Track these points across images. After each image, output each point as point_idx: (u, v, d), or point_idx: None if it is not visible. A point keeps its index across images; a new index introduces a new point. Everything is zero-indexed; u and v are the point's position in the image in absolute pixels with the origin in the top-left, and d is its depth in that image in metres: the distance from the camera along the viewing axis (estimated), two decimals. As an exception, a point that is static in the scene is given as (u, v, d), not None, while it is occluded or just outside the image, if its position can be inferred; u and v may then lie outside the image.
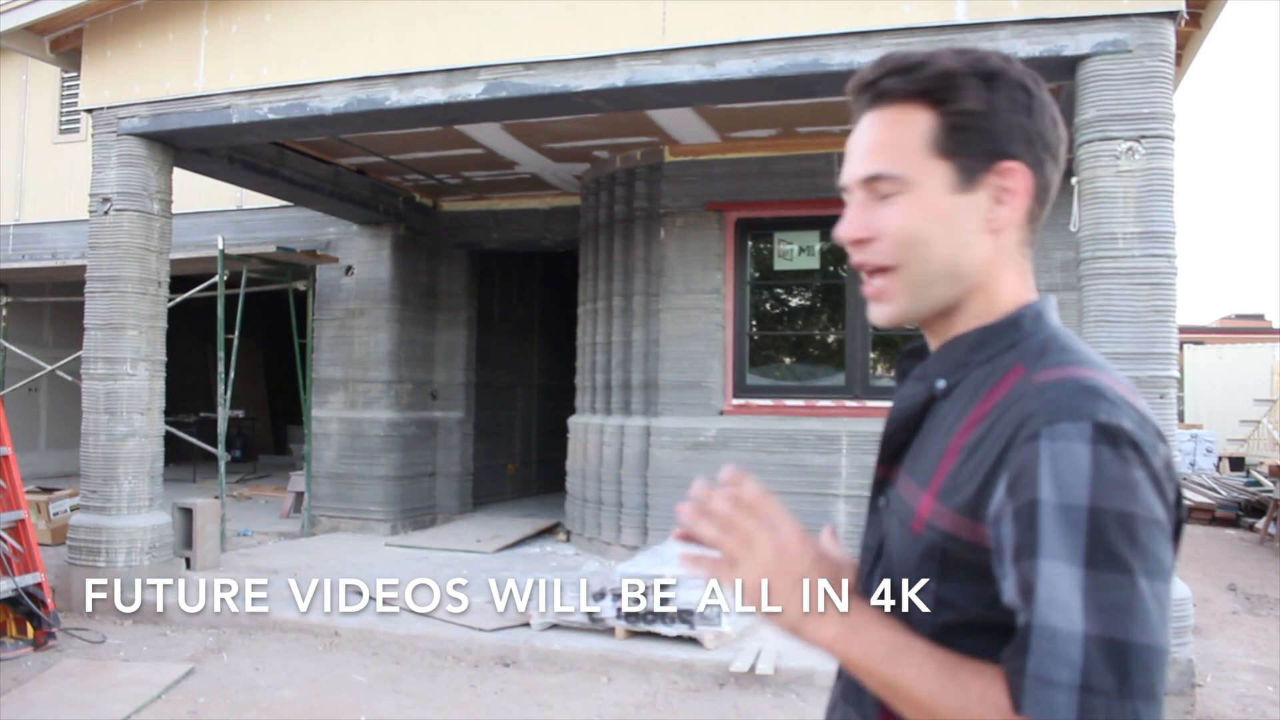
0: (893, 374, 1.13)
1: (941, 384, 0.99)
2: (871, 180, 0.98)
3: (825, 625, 0.91)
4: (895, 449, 1.03)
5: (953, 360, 0.99)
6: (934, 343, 1.05)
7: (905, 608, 0.93)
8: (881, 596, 0.96)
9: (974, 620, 0.89)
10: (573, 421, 8.18)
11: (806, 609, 0.91)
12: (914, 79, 0.97)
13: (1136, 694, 0.78)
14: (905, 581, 0.94)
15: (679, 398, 7.32)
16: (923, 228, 0.97)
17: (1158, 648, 0.80)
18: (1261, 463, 13.35)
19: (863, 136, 1.01)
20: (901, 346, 7.46)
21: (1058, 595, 0.80)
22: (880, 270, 0.99)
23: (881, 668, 0.88)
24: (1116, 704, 0.78)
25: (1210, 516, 10.83)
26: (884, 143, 0.98)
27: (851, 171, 1.01)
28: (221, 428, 8.15)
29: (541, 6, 5.25)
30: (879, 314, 1.02)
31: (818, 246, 7.41)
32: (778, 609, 0.92)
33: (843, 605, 0.91)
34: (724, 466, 0.97)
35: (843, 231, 1.00)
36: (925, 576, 0.92)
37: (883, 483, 1.06)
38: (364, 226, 8.94)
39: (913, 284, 0.99)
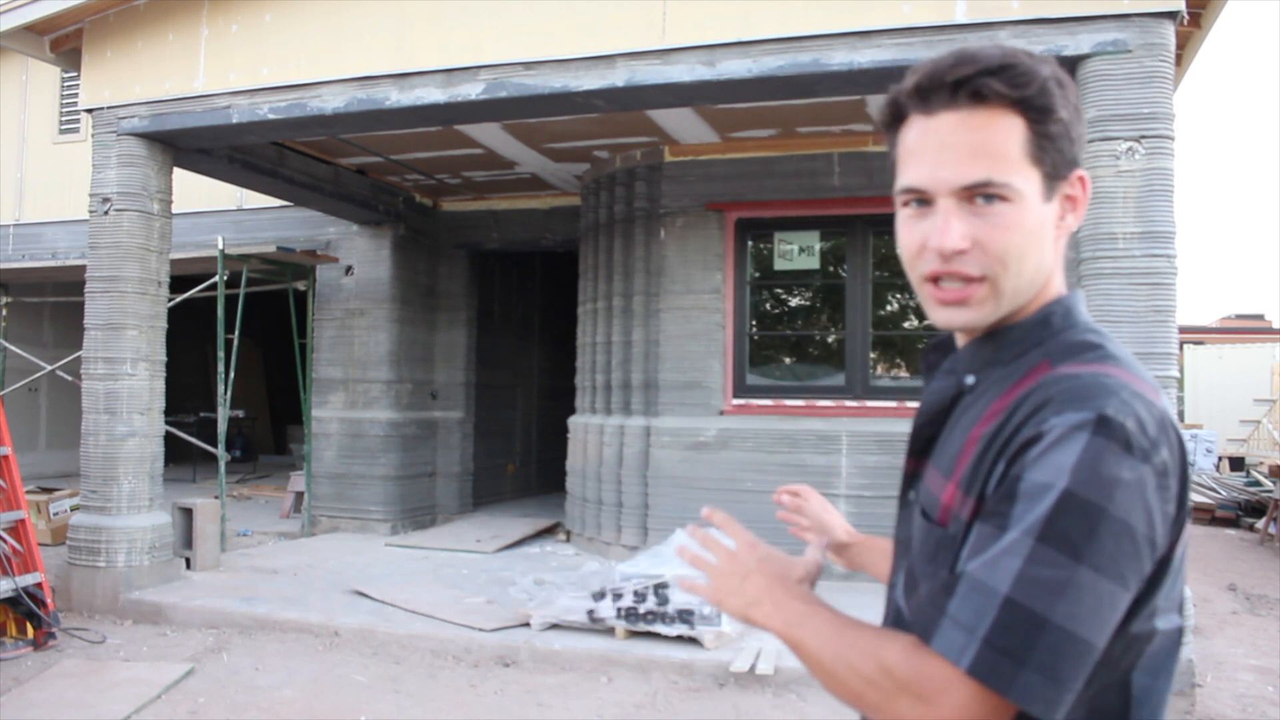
0: (921, 369, 1.18)
1: (970, 380, 1.01)
2: (975, 187, 0.94)
3: (759, 609, 1.03)
4: (924, 443, 1.06)
5: (982, 357, 1.01)
6: (963, 338, 1.05)
7: (919, 592, 1.00)
8: (900, 587, 1.07)
9: None
10: (573, 421, 8.18)
11: (748, 597, 1.05)
12: (1018, 87, 0.94)
13: (1035, 667, 0.81)
14: (923, 568, 0.99)
15: (679, 398, 7.32)
16: (1025, 241, 0.96)
17: (1077, 637, 0.82)
18: (1261, 463, 13.35)
19: (955, 138, 0.95)
20: (901, 346, 7.48)
21: (1002, 557, 0.84)
22: (969, 279, 0.97)
23: (792, 633, 0.99)
24: (1010, 665, 0.82)
25: (1210, 516, 10.83)
26: (986, 148, 0.94)
27: (948, 176, 0.95)
28: (221, 428, 8.15)
29: (541, 6, 5.25)
30: (957, 319, 0.99)
31: (818, 246, 7.41)
32: (729, 603, 1.07)
33: (762, 591, 1.04)
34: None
35: (949, 242, 0.95)
36: (943, 566, 0.95)
37: (913, 476, 1.08)
38: (364, 226, 8.94)
39: (1003, 293, 0.97)
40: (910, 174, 0.98)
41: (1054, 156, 0.96)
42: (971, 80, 0.94)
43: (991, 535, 0.86)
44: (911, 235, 0.99)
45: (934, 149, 0.96)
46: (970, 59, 0.95)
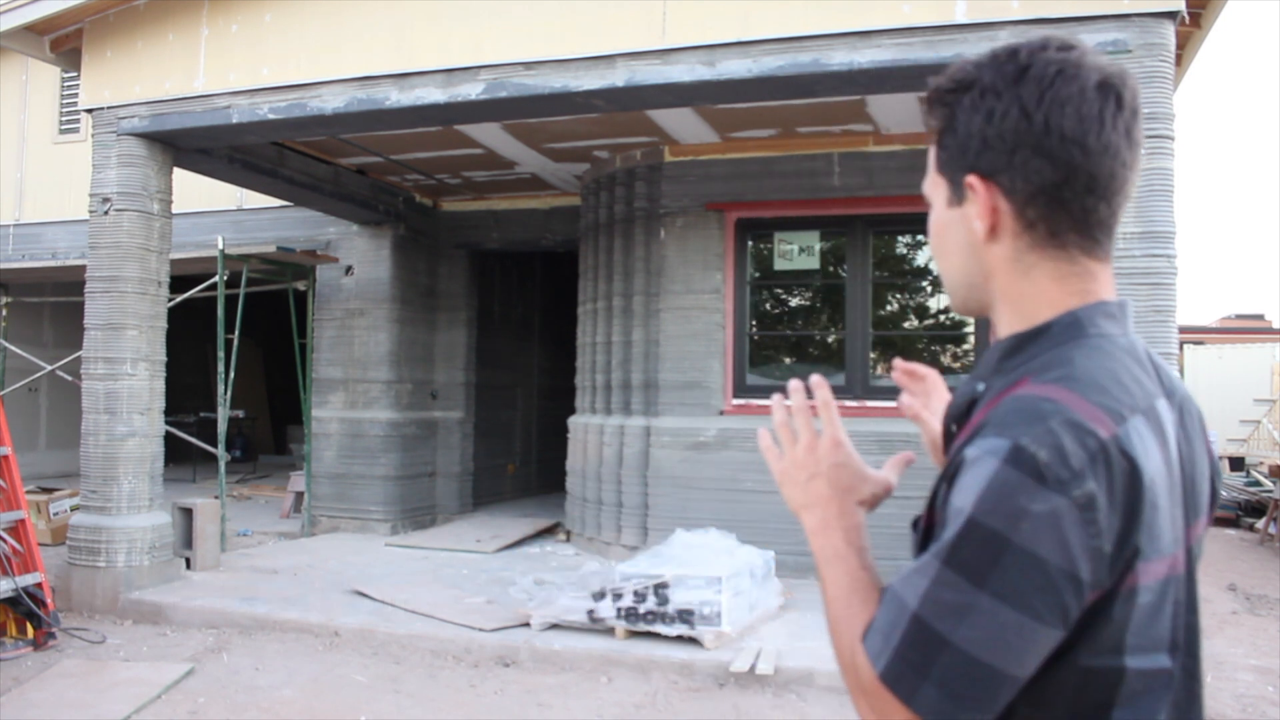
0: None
1: (980, 387, 1.01)
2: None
3: (810, 516, 1.06)
4: (949, 441, 1.07)
5: (989, 366, 1.01)
6: None
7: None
8: None
9: None
10: (573, 421, 8.18)
11: (805, 500, 1.07)
12: (929, 112, 1.03)
13: (935, 682, 0.85)
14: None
15: (679, 398, 7.32)
16: (935, 241, 1.08)
17: (978, 661, 0.83)
18: (1261, 463, 13.34)
19: None
20: (901, 346, 7.47)
21: (915, 575, 0.88)
22: None
23: (819, 565, 1.02)
24: (913, 677, 0.86)
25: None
26: (928, 161, 1.07)
27: None
28: (221, 428, 8.15)
29: (541, 6, 5.25)
30: None
31: (818, 246, 7.41)
32: (787, 493, 1.08)
33: (823, 505, 1.05)
34: (811, 378, 1.11)
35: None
36: None
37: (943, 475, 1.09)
38: (364, 226, 8.94)
39: (947, 286, 1.08)
40: None
41: (949, 162, 1.01)
42: None
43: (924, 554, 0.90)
44: None
45: None
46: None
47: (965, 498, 0.85)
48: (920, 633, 0.85)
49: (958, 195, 1.01)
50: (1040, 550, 0.82)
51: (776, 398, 1.12)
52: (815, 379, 1.10)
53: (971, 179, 0.98)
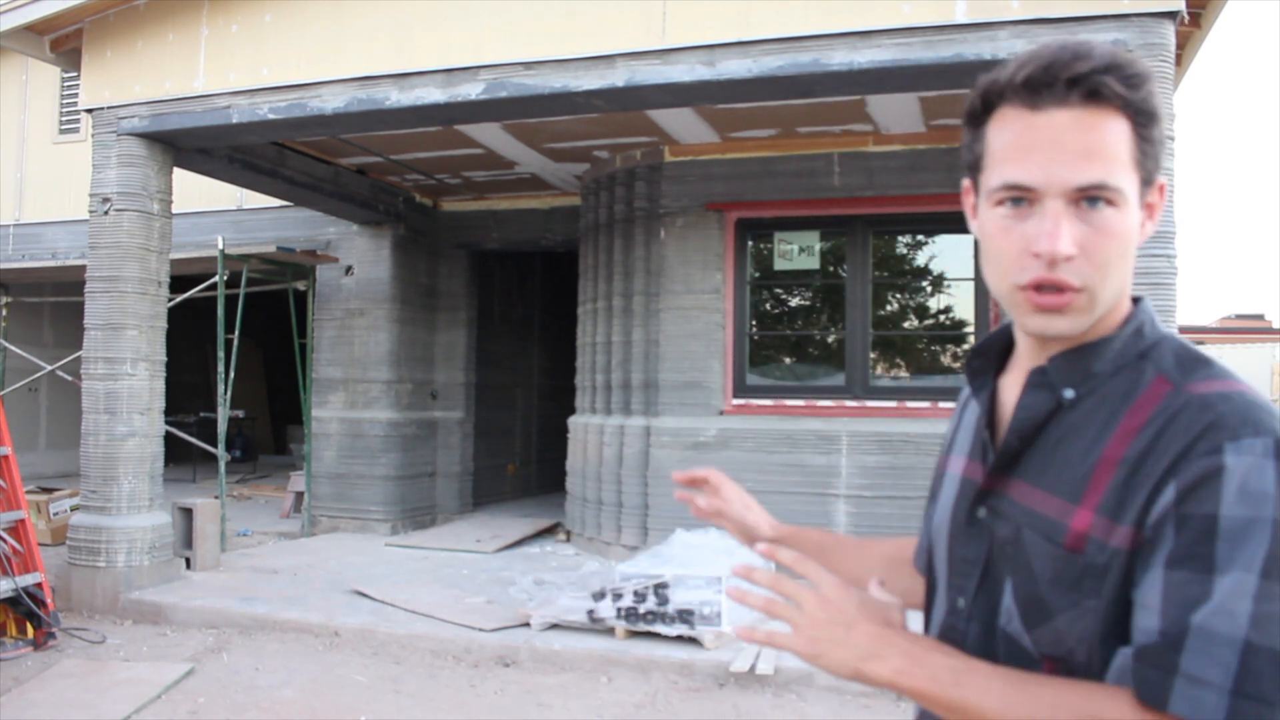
0: (965, 374, 1.12)
1: (1070, 394, 0.96)
2: (1089, 189, 0.91)
3: (884, 663, 0.93)
4: (1009, 459, 1.00)
5: (1079, 370, 0.97)
6: (1039, 348, 1.00)
7: (1054, 623, 0.93)
8: (999, 611, 0.99)
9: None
10: (573, 421, 8.18)
11: (864, 650, 0.93)
12: (1133, 88, 0.91)
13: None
14: (1058, 598, 0.93)
15: (679, 398, 7.32)
16: (1123, 248, 0.93)
17: None
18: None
19: (1068, 136, 0.91)
20: (901, 346, 7.46)
21: (1232, 601, 0.81)
22: (1068, 288, 0.92)
23: (947, 693, 0.90)
24: (1267, 711, 0.79)
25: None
26: (1101, 149, 0.91)
27: (1064, 175, 0.91)
28: (221, 428, 8.15)
29: (541, 6, 5.25)
30: (1053, 327, 0.95)
31: (818, 246, 7.41)
32: (834, 657, 0.94)
33: (896, 642, 0.94)
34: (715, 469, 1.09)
35: (1062, 246, 0.90)
36: (1090, 596, 0.90)
37: (985, 493, 1.02)
38: (364, 226, 8.94)
39: (1098, 303, 0.94)
40: (1015, 170, 0.93)
41: (1150, 162, 0.94)
42: (1088, 78, 0.90)
43: (1196, 580, 0.82)
44: (1010, 238, 0.94)
45: (1045, 146, 0.91)
46: (1085, 55, 0.90)
47: (1255, 505, 0.82)
48: (1258, 659, 0.79)
49: (1142, 197, 0.95)
50: None
51: (743, 569, 1.02)
52: (763, 548, 1.07)
53: (1163, 181, 0.97)
